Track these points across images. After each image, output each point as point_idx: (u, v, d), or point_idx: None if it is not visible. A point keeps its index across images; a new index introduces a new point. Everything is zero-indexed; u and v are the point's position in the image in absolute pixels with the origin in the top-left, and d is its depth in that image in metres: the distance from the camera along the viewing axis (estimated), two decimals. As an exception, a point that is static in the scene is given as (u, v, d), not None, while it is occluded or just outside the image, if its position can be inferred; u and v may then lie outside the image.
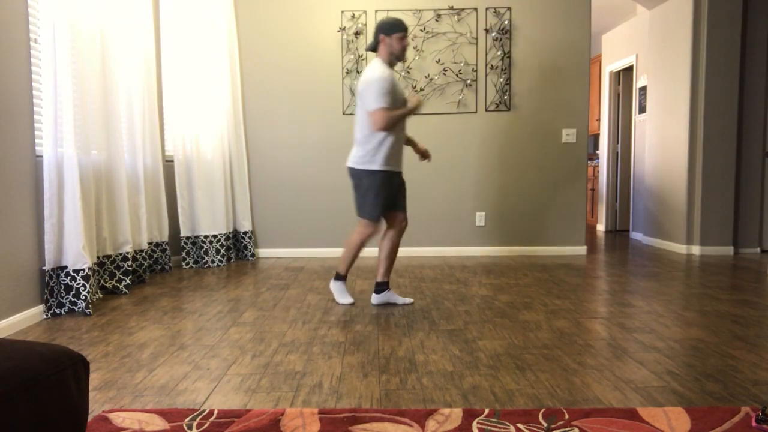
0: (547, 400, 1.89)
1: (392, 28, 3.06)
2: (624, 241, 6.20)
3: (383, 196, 3.14)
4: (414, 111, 3.11)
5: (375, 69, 3.04)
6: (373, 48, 3.16)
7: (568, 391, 1.97)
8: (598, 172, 7.63)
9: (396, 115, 3.04)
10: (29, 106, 2.94)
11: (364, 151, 3.11)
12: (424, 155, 3.40)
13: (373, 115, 3.01)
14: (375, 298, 3.28)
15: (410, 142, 3.41)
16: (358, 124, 3.13)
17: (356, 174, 3.16)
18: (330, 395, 1.95)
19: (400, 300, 3.29)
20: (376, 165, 3.10)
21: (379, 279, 3.27)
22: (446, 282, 3.93)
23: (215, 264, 4.74)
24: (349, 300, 3.31)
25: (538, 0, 5.07)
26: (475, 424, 1.69)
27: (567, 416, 1.74)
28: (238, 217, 5.08)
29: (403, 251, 5.20)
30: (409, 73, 5.10)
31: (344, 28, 5.06)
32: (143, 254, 3.95)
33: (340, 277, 3.33)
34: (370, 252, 5.20)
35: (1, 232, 2.71)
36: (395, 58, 3.13)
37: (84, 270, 3.10)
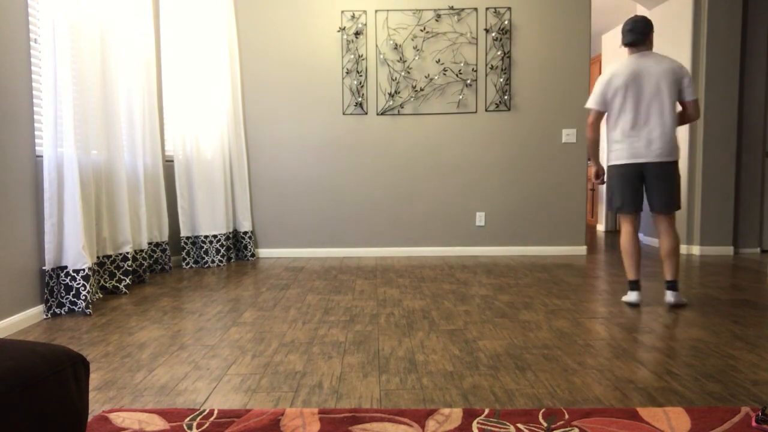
0: (547, 400, 1.89)
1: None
2: (624, 241, 6.18)
3: (611, 189, 3.29)
4: (590, 163, 3.38)
5: (614, 63, 3.25)
6: (635, 41, 3.16)
7: (568, 391, 1.97)
8: (598, 172, 7.62)
9: (588, 141, 3.32)
10: (29, 106, 2.94)
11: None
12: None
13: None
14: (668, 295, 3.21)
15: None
16: None
17: None
18: (330, 395, 1.95)
19: (673, 300, 3.15)
20: (608, 161, 3.33)
21: (666, 277, 3.21)
22: (446, 282, 3.93)
23: (215, 264, 4.74)
24: (634, 300, 3.17)
25: (538, 0, 5.07)
26: (475, 424, 1.69)
27: (567, 416, 1.74)
28: (238, 217, 5.08)
29: (403, 251, 5.21)
30: (409, 73, 5.10)
31: (344, 28, 5.06)
32: (143, 254, 3.96)
33: (632, 286, 3.20)
34: (371, 253, 5.20)
35: (1, 232, 2.71)
36: None
37: (84, 270, 3.10)
